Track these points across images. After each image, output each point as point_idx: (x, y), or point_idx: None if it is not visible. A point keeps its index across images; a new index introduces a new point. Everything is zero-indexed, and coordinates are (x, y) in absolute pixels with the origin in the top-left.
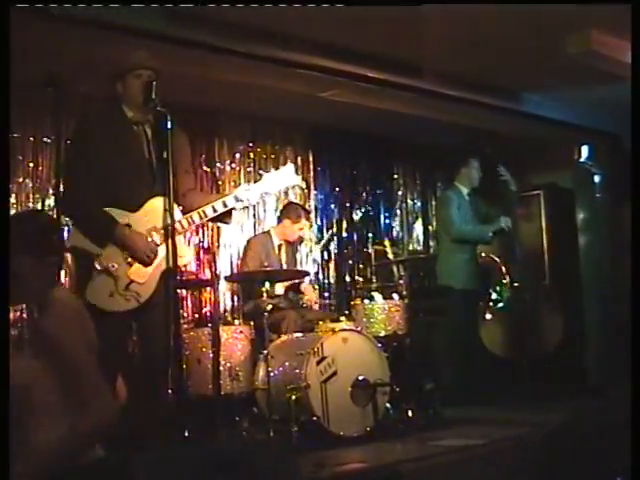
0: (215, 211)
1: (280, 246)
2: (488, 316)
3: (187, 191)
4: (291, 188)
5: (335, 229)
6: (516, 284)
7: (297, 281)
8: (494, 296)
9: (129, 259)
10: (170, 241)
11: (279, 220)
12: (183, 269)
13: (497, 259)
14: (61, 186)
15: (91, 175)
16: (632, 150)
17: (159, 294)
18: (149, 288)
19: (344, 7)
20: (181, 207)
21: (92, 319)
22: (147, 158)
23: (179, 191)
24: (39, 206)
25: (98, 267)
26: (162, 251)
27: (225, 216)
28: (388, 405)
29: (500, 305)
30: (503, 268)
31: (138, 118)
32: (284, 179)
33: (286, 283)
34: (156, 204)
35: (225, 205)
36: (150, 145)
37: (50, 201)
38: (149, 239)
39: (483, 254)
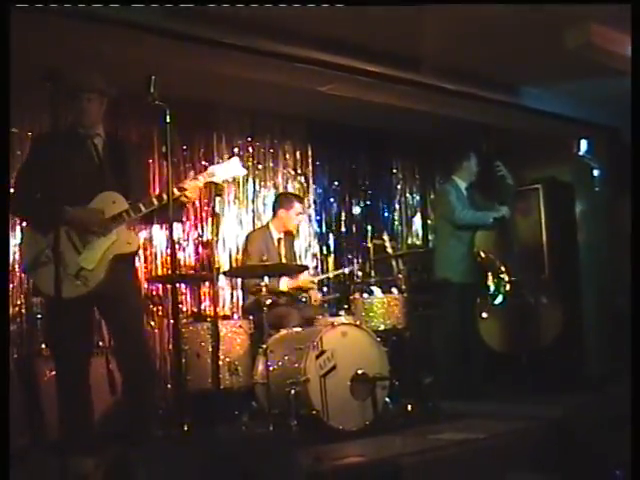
0: (160, 201)
1: (279, 240)
2: (486, 310)
3: (137, 185)
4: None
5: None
6: (514, 278)
7: (300, 279)
8: (492, 290)
9: (78, 247)
10: (169, 235)
11: (274, 213)
12: (132, 256)
13: (495, 255)
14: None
15: (40, 176)
16: (632, 143)
17: (113, 281)
18: (98, 274)
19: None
20: (130, 200)
21: (46, 307)
22: (97, 163)
23: (130, 186)
24: None
25: (47, 257)
26: (110, 239)
27: (175, 208)
28: (387, 399)
29: (499, 299)
30: (501, 263)
31: (89, 132)
32: (230, 170)
33: (286, 278)
34: (104, 197)
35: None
36: (99, 153)
37: None
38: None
39: (482, 253)
